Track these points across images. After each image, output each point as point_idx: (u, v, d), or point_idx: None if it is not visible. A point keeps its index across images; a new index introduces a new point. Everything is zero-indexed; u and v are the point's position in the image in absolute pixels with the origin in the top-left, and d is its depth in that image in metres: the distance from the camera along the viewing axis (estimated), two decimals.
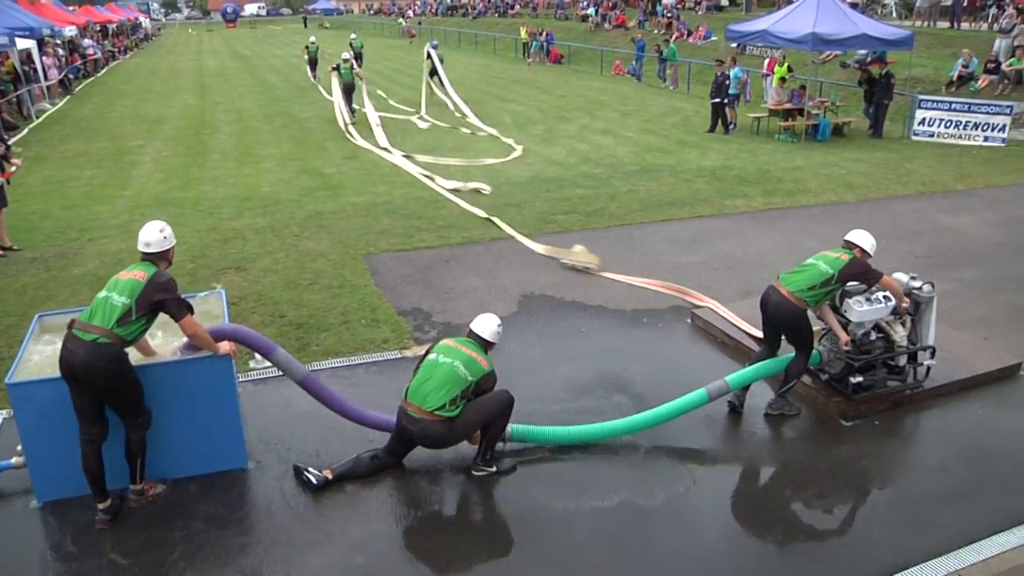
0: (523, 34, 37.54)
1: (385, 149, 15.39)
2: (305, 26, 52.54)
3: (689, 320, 7.74)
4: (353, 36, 28.85)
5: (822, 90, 19.62)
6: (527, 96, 23.96)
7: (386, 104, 21.84)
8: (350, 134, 17.17)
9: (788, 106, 17.57)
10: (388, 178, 13.53)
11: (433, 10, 67.31)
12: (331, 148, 16.46)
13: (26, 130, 19.55)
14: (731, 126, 17.87)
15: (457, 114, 19.82)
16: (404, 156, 14.84)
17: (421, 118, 19.22)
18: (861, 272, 5.82)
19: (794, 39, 16.54)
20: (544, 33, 36.29)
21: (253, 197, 12.43)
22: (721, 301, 7.94)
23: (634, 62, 28.60)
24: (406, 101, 22.93)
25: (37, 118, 21.38)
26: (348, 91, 18.70)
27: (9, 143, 16.97)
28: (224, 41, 58.92)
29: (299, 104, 23.17)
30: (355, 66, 18.89)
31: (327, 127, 18.93)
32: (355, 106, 18.97)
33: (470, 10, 57.97)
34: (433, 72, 21.29)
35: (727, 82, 17.92)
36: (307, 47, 28.38)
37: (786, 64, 19.54)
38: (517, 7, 52.37)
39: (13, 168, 10.18)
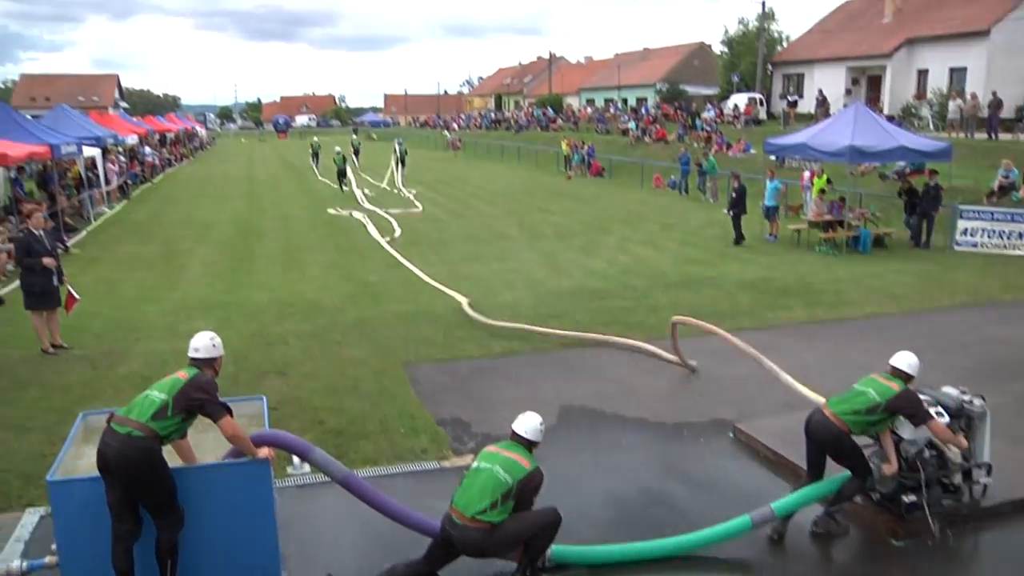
0: (564, 148, 38.22)
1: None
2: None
3: (731, 434, 7.58)
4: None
5: (862, 201, 19.50)
6: (568, 208, 24.16)
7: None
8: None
9: (828, 218, 17.50)
10: (430, 288, 13.49)
11: (477, 123, 69.48)
12: (374, 256, 16.70)
13: (84, 232, 20.24)
14: (741, 239, 17.70)
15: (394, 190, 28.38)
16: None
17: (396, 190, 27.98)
18: (910, 409, 5.69)
19: (832, 152, 16.64)
20: (585, 147, 36.88)
21: (297, 303, 12.59)
22: (764, 416, 7.71)
23: (677, 176, 28.43)
24: (451, 213, 23.30)
25: (95, 221, 22.14)
26: (341, 175, 29.41)
27: (68, 244, 17.66)
28: (275, 150, 61.54)
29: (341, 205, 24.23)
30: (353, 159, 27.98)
31: (371, 236, 19.23)
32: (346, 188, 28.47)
33: (513, 124, 59.82)
34: (400, 162, 33.85)
35: (740, 195, 17.85)
36: (311, 144, 40.90)
37: (825, 176, 19.59)
38: (559, 121, 53.60)
39: (74, 299, 10.20)
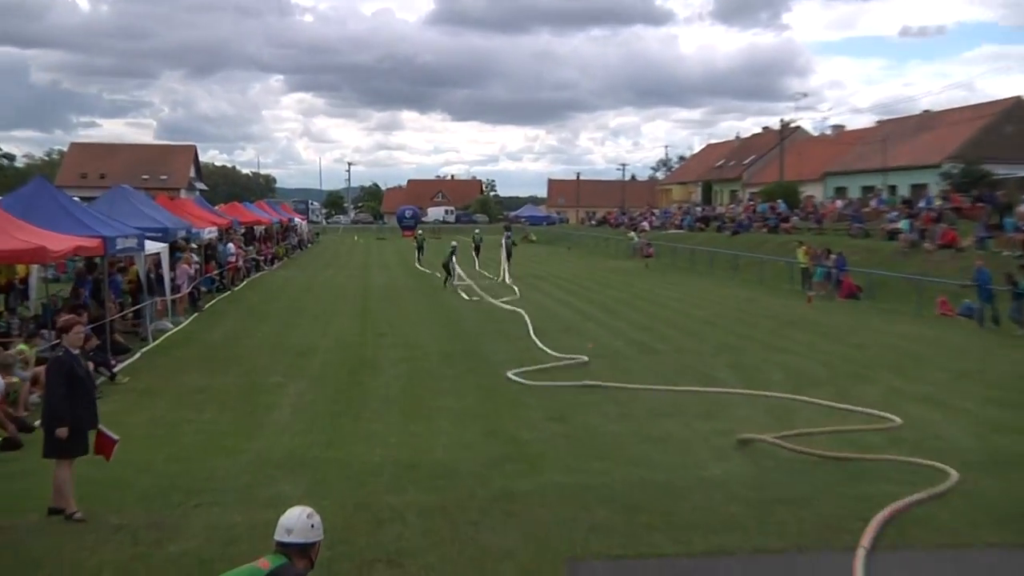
0: (802, 257, 38.07)
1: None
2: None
3: None
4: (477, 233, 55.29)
5: None
6: (807, 344, 23.86)
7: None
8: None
9: None
10: (607, 451, 13.61)
11: (677, 222, 70.70)
12: (531, 403, 16.80)
13: (139, 354, 21.27)
14: None
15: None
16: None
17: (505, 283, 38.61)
18: None
19: None
20: (832, 256, 36.55)
21: (421, 464, 12.75)
22: None
23: (975, 299, 27.81)
24: (637, 346, 23.79)
25: (154, 339, 23.20)
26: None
27: (115, 371, 18.23)
28: (399, 253, 65.31)
29: (492, 341, 24.44)
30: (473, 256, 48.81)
31: (517, 366, 19.69)
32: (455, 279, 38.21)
33: (728, 222, 60.10)
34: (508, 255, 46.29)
35: None
36: (415, 236, 58.39)
37: None
38: (794, 220, 53.40)
39: (112, 441, 10.46)
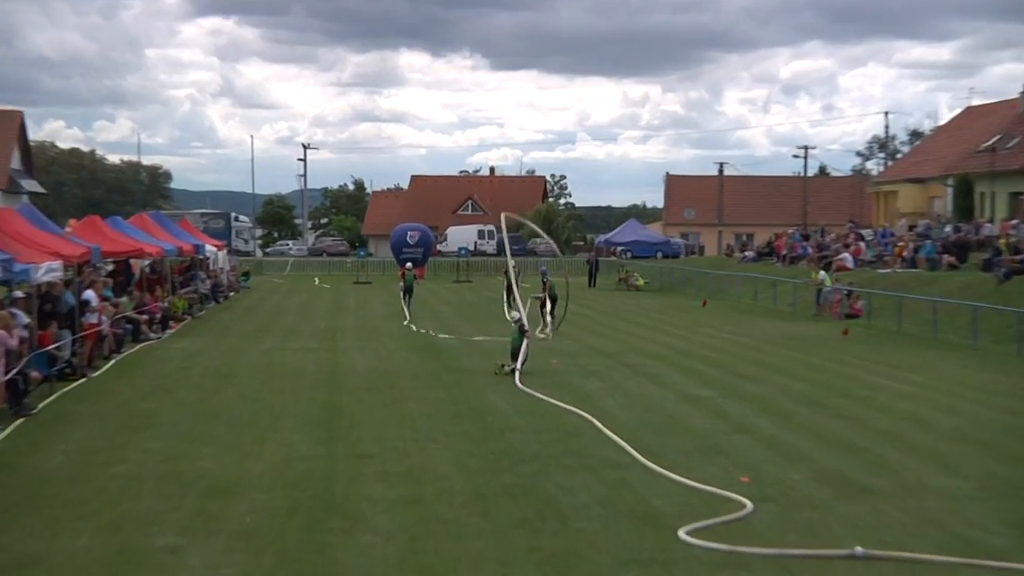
0: None
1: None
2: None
3: None
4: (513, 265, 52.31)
5: None
6: None
7: None
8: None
9: None
10: None
11: (906, 252, 68.12)
12: None
13: None
14: None
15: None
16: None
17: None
18: None
19: None
20: None
21: None
22: None
23: None
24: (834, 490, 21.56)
25: None
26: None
27: None
28: (394, 306, 66.23)
29: (561, 467, 23.71)
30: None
31: (609, 523, 19.49)
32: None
33: (1006, 253, 55.82)
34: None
35: None
36: (403, 274, 65.92)
37: None
38: None
39: None
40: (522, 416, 29.94)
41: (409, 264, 70.86)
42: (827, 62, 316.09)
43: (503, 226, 52.47)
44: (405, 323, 56.34)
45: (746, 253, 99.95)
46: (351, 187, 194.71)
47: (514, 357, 37.41)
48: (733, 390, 34.63)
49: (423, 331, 53.10)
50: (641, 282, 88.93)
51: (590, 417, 29.12)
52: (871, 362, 41.94)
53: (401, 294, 63.32)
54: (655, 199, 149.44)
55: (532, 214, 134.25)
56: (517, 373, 36.15)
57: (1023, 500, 21.34)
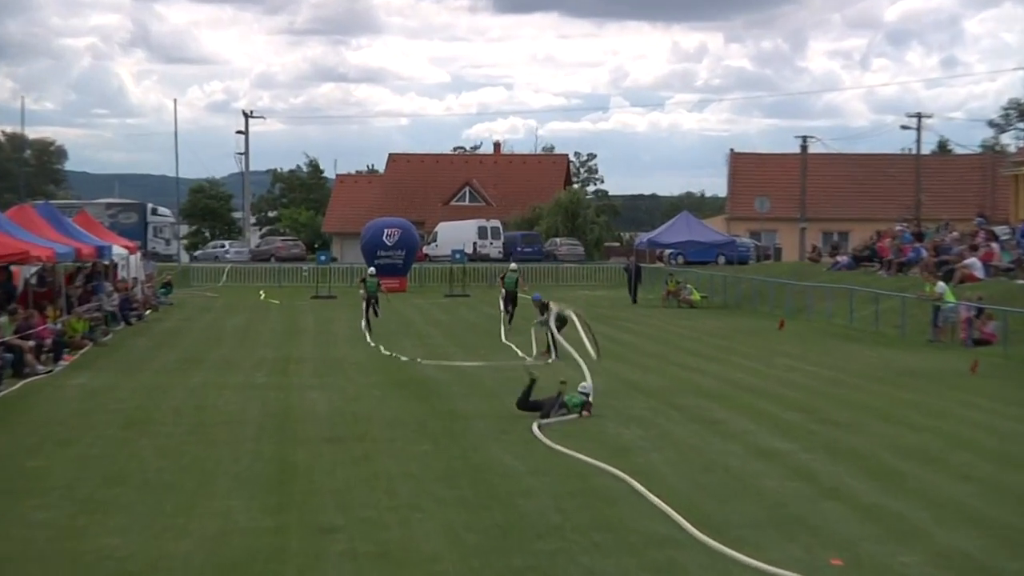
0: None
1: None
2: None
3: None
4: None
5: None
6: None
7: None
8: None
9: None
10: None
11: None
12: None
13: None
14: None
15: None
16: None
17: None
18: None
19: None
20: None
21: None
22: None
23: None
24: None
25: None
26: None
27: None
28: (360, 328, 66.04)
29: (588, 551, 23.39)
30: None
31: None
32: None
33: None
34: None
35: None
36: (364, 282, 72.99)
37: None
38: None
39: None
40: (537, 476, 29.78)
41: (372, 269, 75.58)
42: (948, 1, 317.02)
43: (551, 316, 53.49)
44: (375, 347, 58.97)
45: (838, 258, 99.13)
46: (306, 169, 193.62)
47: (525, 399, 38.99)
48: (820, 442, 34.74)
49: (404, 359, 54.79)
50: (697, 296, 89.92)
51: (628, 478, 28.96)
52: (1008, 404, 42.17)
53: (363, 307, 67.28)
54: (715, 185, 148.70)
55: (551, 205, 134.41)
56: (541, 422, 37.32)
57: None
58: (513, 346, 55.16)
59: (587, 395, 39.45)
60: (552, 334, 51.52)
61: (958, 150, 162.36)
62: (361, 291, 68.69)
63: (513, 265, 67.10)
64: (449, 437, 35.33)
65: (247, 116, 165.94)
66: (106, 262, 68.53)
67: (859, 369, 51.25)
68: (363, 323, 62.90)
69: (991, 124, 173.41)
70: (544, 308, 55.69)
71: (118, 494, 27.36)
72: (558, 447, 33.58)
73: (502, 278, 69.99)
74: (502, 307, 66.28)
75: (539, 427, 36.30)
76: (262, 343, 63.30)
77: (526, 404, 38.60)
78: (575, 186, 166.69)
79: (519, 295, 62.48)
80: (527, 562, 22.41)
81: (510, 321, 61.63)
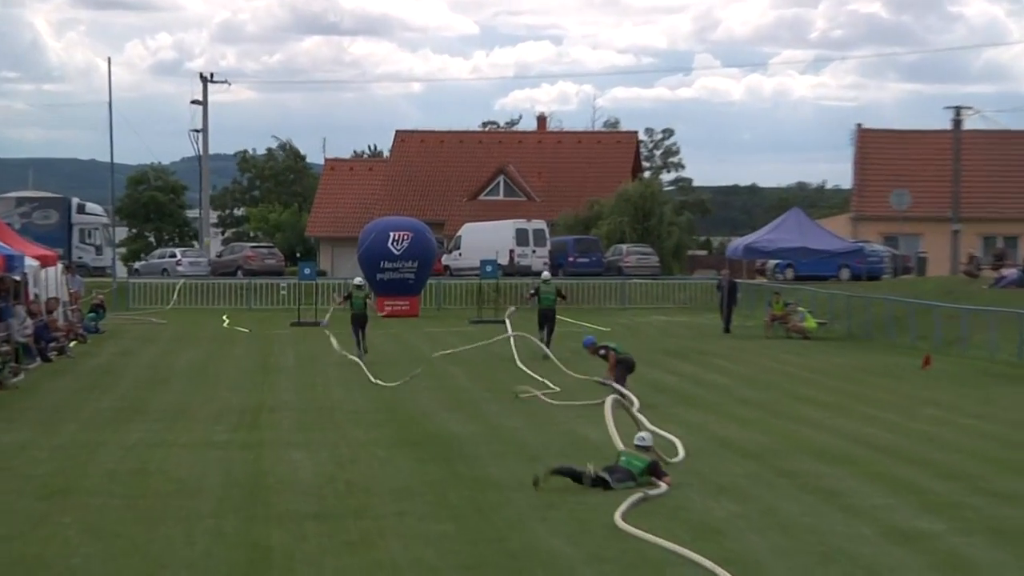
0: None
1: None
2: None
3: None
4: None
5: None
6: None
7: None
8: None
9: None
10: None
11: None
12: None
13: None
14: None
15: None
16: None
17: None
18: None
19: None
20: None
21: None
22: None
23: None
24: None
25: None
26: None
27: None
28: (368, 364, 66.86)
29: None
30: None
31: None
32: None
33: None
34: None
35: None
36: (350, 294, 77.07)
37: None
38: None
39: None
40: (596, 565, 29.60)
41: (359, 279, 77.91)
42: None
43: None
44: (373, 381, 62.48)
45: (1004, 272, 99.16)
46: (283, 152, 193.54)
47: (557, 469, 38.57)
48: (982, 520, 34.32)
49: (410, 398, 56.41)
50: (811, 323, 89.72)
51: (719, 569, 28.41)
52: None
53: (352, 332, 71.03)
54: (836, 173, 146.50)
55: (614, 200, 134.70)
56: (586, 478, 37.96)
57: None
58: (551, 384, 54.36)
59: (647, 447, 39.62)
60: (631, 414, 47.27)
61: None
62: (346, 305, 72.77)
63: (546, 274, 70.17)
64: (477, 513, 35.06)
65: (206, 81, 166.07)
66: (16, 277, 68.80)
67: None
68: (356, 351, 66.60)
69: None
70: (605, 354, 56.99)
71: None
72: (629, 528, 33.40)
73: (534, 293, 73.44)
74: (538, 331, 68.50)
75: (622, 516, 35.00)
76: (225, 386, 63.47)
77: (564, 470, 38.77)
78: (647, 175, 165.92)
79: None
80: None
81: (547, 345, 63.08)
